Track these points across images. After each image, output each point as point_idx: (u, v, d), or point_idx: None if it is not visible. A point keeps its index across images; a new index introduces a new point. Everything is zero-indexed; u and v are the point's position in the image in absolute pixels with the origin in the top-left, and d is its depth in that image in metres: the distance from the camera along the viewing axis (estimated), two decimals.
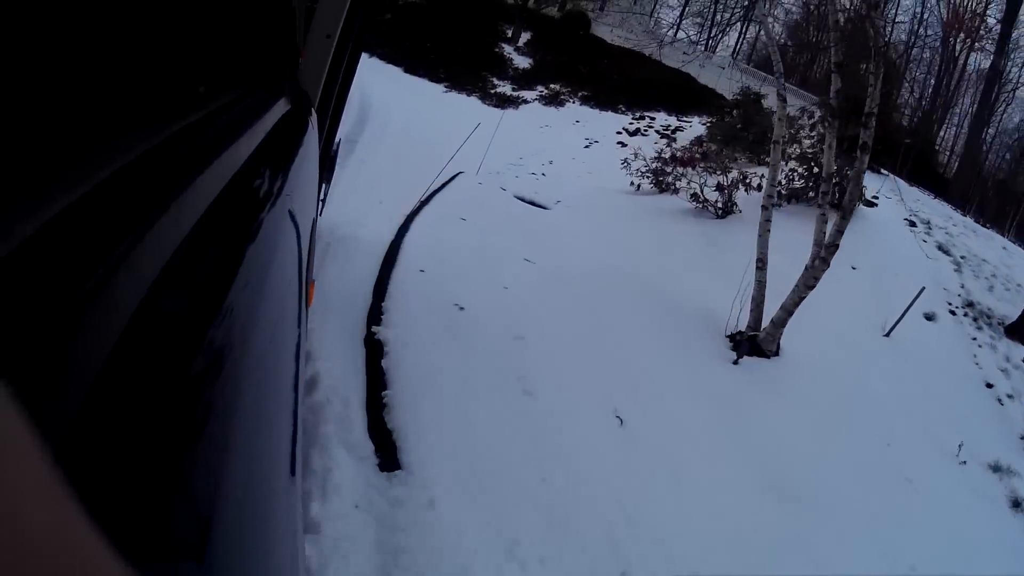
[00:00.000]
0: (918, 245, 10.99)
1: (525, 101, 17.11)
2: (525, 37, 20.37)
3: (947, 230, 12.27)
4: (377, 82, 15.05)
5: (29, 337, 0.20)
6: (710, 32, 40.09)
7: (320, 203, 2.64)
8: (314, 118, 1.61)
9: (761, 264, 6.23)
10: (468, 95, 17.06)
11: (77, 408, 0.22)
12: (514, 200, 8.91)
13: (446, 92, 17.06)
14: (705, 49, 30.71)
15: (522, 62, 19.16)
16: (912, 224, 12.02)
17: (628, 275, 6.61)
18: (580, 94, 18.04)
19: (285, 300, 0.67)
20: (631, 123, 17.15)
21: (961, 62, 31.60)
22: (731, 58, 25.16)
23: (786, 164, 10.37)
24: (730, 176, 9.59)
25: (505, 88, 17.78)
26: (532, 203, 9.31)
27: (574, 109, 17.42)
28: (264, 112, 0.86)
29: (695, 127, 17.26)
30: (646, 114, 17.84)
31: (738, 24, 40.81)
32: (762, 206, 6.35)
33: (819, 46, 38.93)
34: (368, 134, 10.04)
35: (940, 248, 11.26)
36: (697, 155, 11.53)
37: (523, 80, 18.24)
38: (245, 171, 0.60)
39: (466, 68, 17.96)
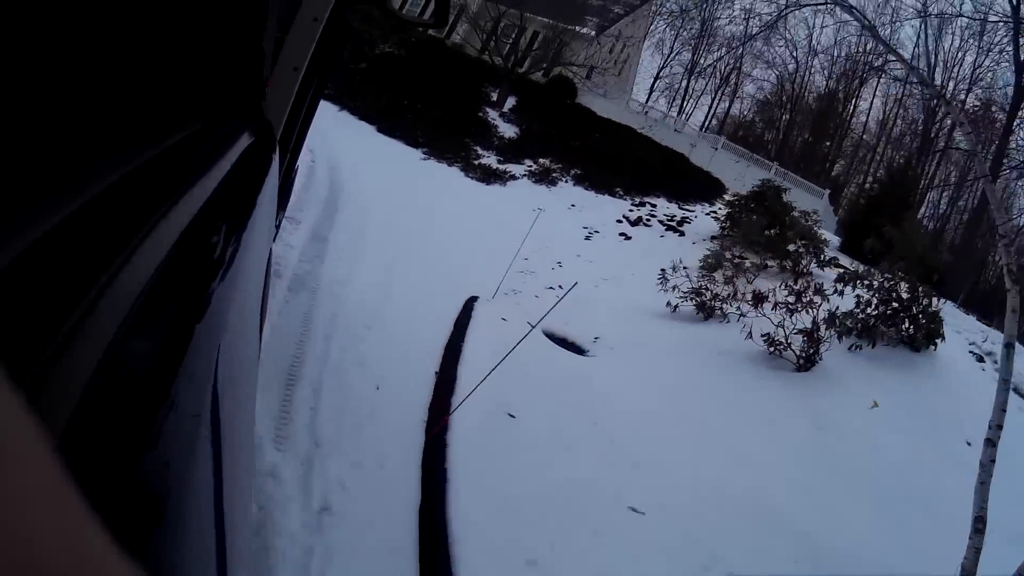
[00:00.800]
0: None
1: (513, 177, 14.95)
2: (510, 102, 18.39)
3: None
4: (348, 143, 12.69)
5: None
6: (682, 104, 39.69)
7: (275, 230, 2.36)
8: (276, 150, 1.58)
9: (980, 525, 3.97)
10: (449, 164, 14.79)
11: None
12: (549, 345, 6.50)
13: (424, 159, 14.75)
14: (677, 118, 29.61)
15: (508, 130, 17.11)
16: (979, 359, 10.25)
17: (761, 517, 4.24)
18: (572, 172, 16.04)
19: (248, 328, 0.74)
20: (631, 210, 15.20)
21: None
22: (718, 135, 23.94)
23: (851, 288, 8.39)
24: (814, 309, 7.47)
25: (490, 159, 15.62)
26: (566, 343, 6.96)
27: (567, 190, 15.36)
28: (232, 142, 0.86)
29: (701, 219, 15.47)
30: (645, 200, 15.97)
31: (708, 98, 40.68)
32: (996, 414, 4.05)
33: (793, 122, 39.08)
34: (341, 229, 7.51)
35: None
36: (745, 269, 9.50)
37: (509, 151, 16.14)
38: (213, 201, 0.61)
39: (447, 132, 15.76)
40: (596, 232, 13.58)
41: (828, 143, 38.69)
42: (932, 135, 34.31)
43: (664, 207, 15.92)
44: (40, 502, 0.13)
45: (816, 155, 37.87)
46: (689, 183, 17.38)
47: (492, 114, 17.48)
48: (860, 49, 35.95)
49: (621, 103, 22.35)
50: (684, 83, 38.75)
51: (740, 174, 19.75)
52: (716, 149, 21.89)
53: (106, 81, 0.44)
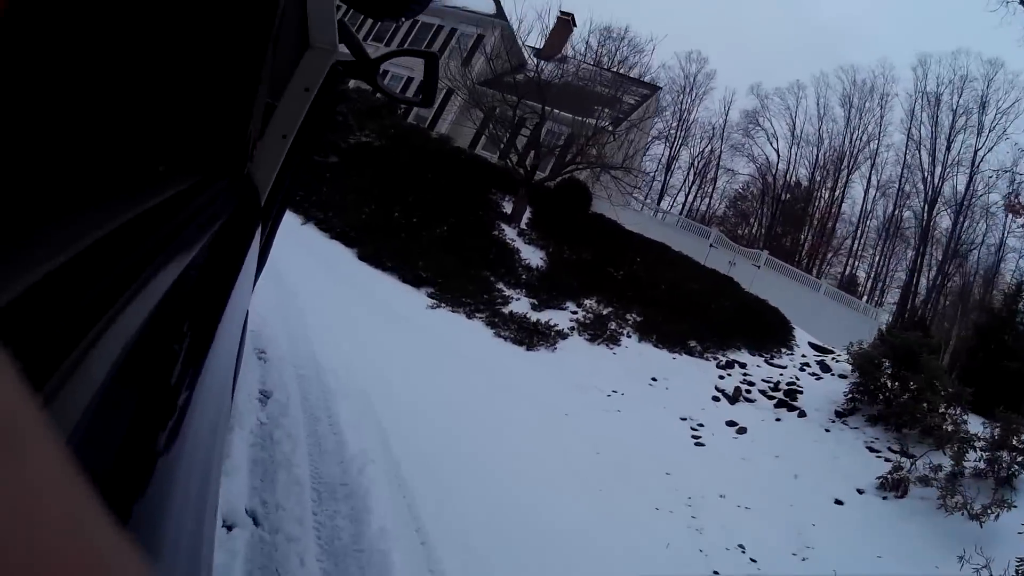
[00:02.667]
0: None
1: (561, 334, 10.38)
2: (526, 216, 14.09)
3: None
4: (320, 287, 8.07)
5: None
6: (659, 200, 36.85)
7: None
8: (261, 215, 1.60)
9: None
10: (469, 315, 10.13)
11: None
12: None
13: (434, 307, 10.04)
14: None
15: (533, 256, 12.68)
16: None
17: None
18: (630, 318, 11.69)
19: (222, 393, 0.73)
20: (720, 376, 10.90)
21: None
22: (761, 252, 20.40)
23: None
24: None
25: (519, 301, 11.07)
26: None
27: (635, 351, 10.91)
28: (221, 202, 0.86)
29: (806, 380, 11.25)
30: (728, 356, 11.73)
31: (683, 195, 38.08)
32: None
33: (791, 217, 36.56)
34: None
35: None
36: None
37: (542, 289, 11.68)
38: (202, 259, 0.62)
39: (457, 260, 11.20)
40: (701, 425, 9.08)
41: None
42: None
43: (753, 365, 11.69)
44: (51, 496, 0.14)
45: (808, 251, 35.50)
46: (755, 320, 13.34)
47: (508, 232, 13.07)
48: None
49: (639, 209, 18.57)
50: (662, 178, 36.15)
51: (792, 297, 16.14)
52: (758, 267, 18.24)
53: (96, 132, 0.54)
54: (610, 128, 17.68)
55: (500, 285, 11.22)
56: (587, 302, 11.72)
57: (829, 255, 36.41)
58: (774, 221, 37.01)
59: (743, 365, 11.55)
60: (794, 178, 37.83)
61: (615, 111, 18.74)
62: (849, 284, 32.68)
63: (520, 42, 18.78)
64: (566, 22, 20.70)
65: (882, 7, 55.32)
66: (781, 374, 11.51)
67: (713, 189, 36.70)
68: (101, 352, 0.31)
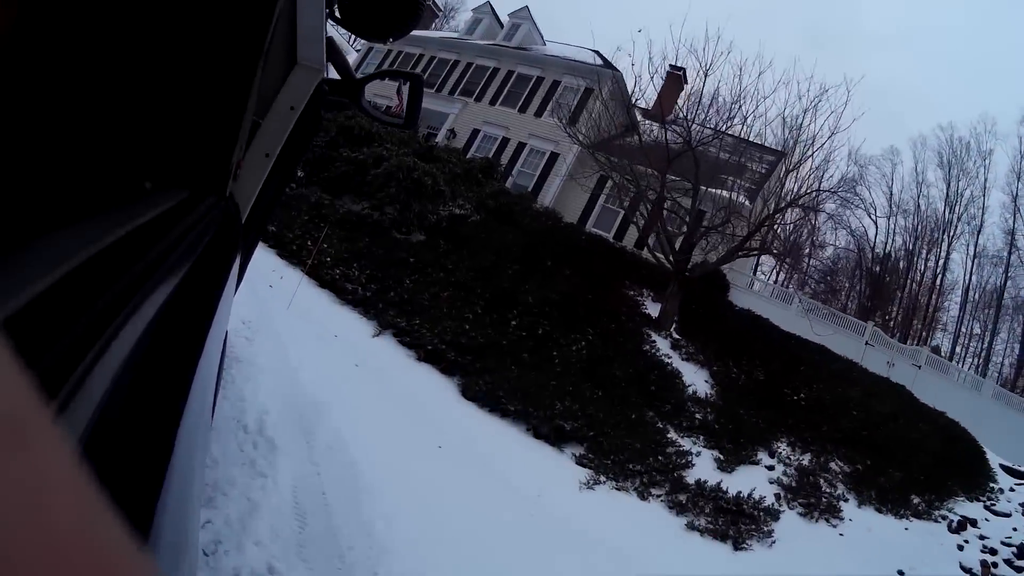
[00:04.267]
0: None
1: (769, 513, 7.57)
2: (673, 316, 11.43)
3: None
4: (409, 460, 5.57)
5: None
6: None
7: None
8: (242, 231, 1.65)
9: None
10: (642, 494, 7.45)
11: None
12: None
13: (590, 486, 7.30)
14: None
15: (694, 377, 10.01)
16: None
17: None
18: (834, 467, 8.93)
19: (203, 409, 0.72)
20: (958, 545, 8.16)
21: None
22: (921, 349, 17.34)
23: None
24: None
25: (697, 454, 8.39)
26: None
27: (859, 522, 8.16)
28: (206, 221, 0.86)
29: None
30: (950, 508, 8.89)
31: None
32: None
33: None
34: None
35: None
36: None
37: (721, 430, 9.03)
38: (188, 280, 0.63)
39: (603, 391, 8.56)
40: None
41: None
42: None
43: (981, 518, 8.83)
44: (61, 493, 0.14)
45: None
46: (950, 446, 10.44)
47: (661, 344, 10.39)
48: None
49: (776, 300, 15.78)
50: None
51: (951, 400, 13.35)
52: (919, 367, 15.17)
53: (85, 146, 0.57)
54: (747, 204, 15.13)
55: (671, 433, 8.51)
56: (780, 448, 8.94)
57: (929, 330, 32.77)
58: (868, 295, 33.64)
59: (973, 523, 8.64)
60: (889, 248, 34.50)
61: (745, 181, 16.06)
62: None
63: (631, 98, 16.27)
64: (677, 78, 17.98)
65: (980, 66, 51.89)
66: (1015, 528, 8.55)
67: (809, 263, 33.38)
68: (103, 366, 0.33)
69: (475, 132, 18.54)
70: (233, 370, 4.88)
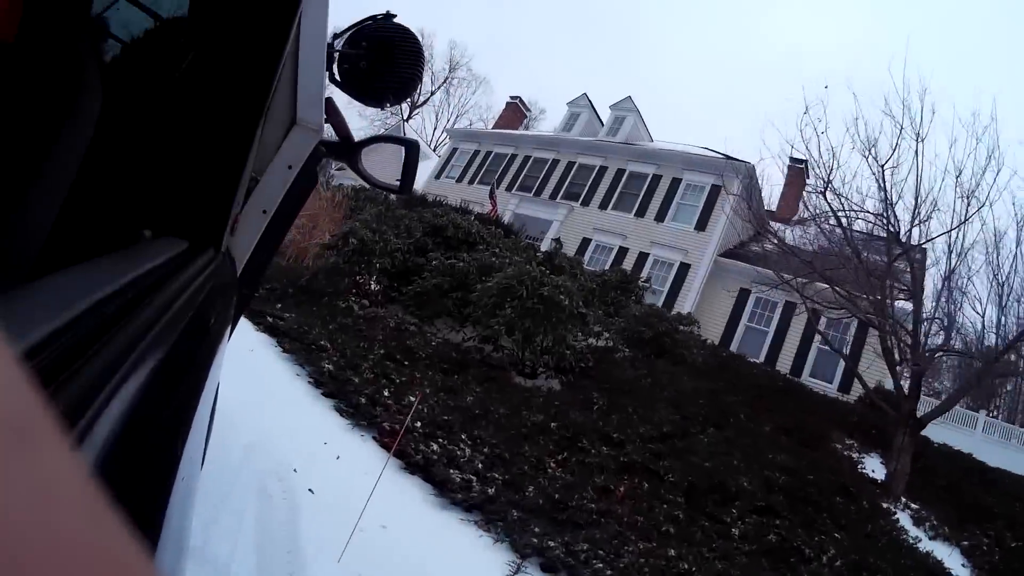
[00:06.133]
0: None
1: None
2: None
3: None
4: None
5: None
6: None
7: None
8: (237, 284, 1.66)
9: None
10: None
11: None
12: None
13: None
14: None
15: (954, 564, 7.31)
16: None
17: None
18: None
19: (194, 459, 0.73)
20: None
21: None
22: None
23: None
24: None
25: None
26: None
27: None
28: (205, 275, 0.89)
29: None
30: None
31: None
32: None
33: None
34: None
35: None
36: None
37: None
38: (186, 335, 0.63)
39: None
40: None
41: None
42: None
43: None
44: (65, 497, 0.14)
45: None
46: None
47: (905, 522, 7.83)
48: None
49: (995, 436, 12.99)
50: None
51: None
52: None
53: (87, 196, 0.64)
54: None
55: None
56: None
57: None
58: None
59: None
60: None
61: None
62: None
63: (760, 197, 14.19)
64: (799, 172, 15.99)
65: None
66: None
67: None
68: (111, 412, 0.34)
69: (585, 241, 16.84)
70: None
